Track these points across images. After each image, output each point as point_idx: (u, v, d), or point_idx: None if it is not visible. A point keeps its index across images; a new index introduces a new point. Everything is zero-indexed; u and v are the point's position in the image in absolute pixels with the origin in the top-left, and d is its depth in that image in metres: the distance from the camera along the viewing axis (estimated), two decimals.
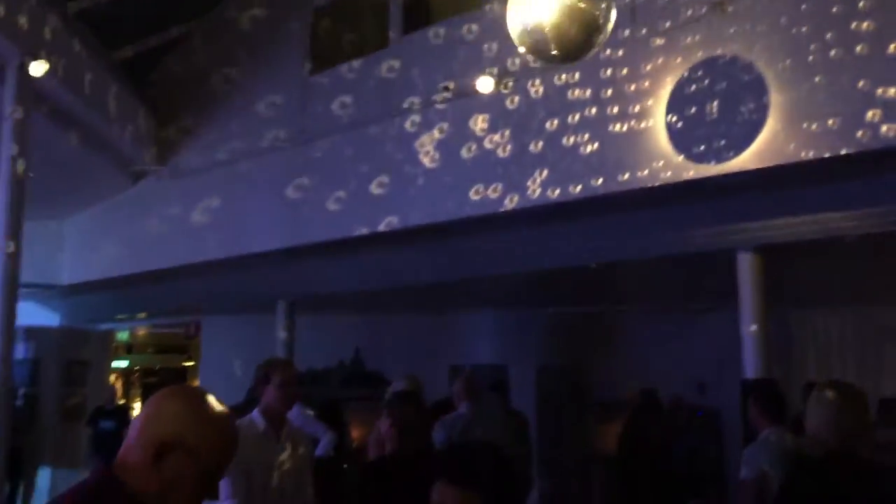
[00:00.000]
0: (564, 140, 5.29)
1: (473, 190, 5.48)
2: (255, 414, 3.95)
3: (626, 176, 4.89)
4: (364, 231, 6.11)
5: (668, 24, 5.00)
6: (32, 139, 5.58)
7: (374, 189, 6.00)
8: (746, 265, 5.42)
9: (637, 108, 5.07)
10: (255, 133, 6.92)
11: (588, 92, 5.30)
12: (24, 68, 5.56)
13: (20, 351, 9.19)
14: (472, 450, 2.10)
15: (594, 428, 10.46)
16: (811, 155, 4.45)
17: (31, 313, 9.82)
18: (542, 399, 9.87)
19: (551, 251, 6.21)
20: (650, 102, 5.07)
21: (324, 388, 10.37)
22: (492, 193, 5.44)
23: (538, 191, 5.23)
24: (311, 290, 8.32)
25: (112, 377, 14.17)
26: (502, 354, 10.05)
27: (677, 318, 10.14)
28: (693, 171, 4.67)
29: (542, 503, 9.47)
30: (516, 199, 5.38)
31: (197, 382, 13.32)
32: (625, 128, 5.09)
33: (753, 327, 5.35)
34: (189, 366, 16.70)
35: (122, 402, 14.07)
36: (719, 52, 4.82)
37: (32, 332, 10.21)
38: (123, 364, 16.59)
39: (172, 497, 1.66)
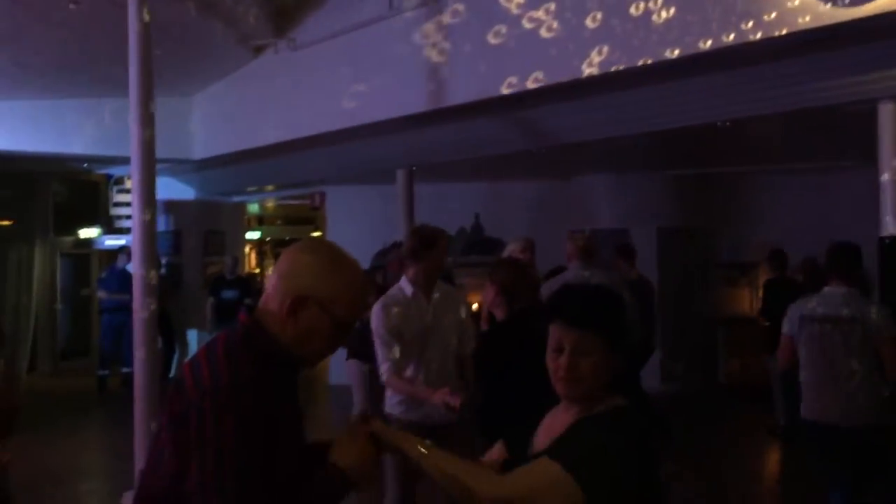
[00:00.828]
0: None
1: (596, 50, 5.26)
2: (403, 281, 4.12)
3: (751, 24, 4.56)
4: (486, 94, 6.02)
5: None
6: (154, 14, 5.70)
7: (496, 51, 5.86)
8: (888, 116, 5.06)
9: None
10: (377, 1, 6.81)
11: None
12: None
13: (162, 223, 9.76)
14: (586, 290, 2.06)
15: (720, 290, 10.32)
16: None
17: (169, 187, 10.39)
18: (665, 262, 9.76)
19: (676, 109, 5.97)
20: None
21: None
22: (612, 52, 5.22)
23: (663, 45, 4.97)
24: (430, 157, 8.38)
25: (246, 248, 14.92)
26: (624, 218, 9.92)
27: (809, 177, 9.68)
28: (828, 16, 4.32)
29: (663, 368, 9.54)
30: (639, 55, 5.14)
31: None
32: None
33: (893, 182, 5.04)
34: (317, 236, 17.32)
35: (250, 271, 14.81)
36: None
37: (172, 205, 10.81)
38: (255, 235, 17.37)
39: (307, 345, 1.76)
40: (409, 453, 1.85)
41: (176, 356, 10.61)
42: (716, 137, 7.35)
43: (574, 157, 8.90)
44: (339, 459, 1.77)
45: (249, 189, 12.33)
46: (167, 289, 9.21)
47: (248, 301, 9.38)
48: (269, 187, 12.48)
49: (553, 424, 1.90)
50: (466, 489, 1.76)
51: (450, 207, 10.12)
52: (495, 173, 10.39)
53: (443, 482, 1.81)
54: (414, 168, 8.74)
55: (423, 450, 1.84)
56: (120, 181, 11.34)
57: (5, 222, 11.16)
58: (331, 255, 1.81)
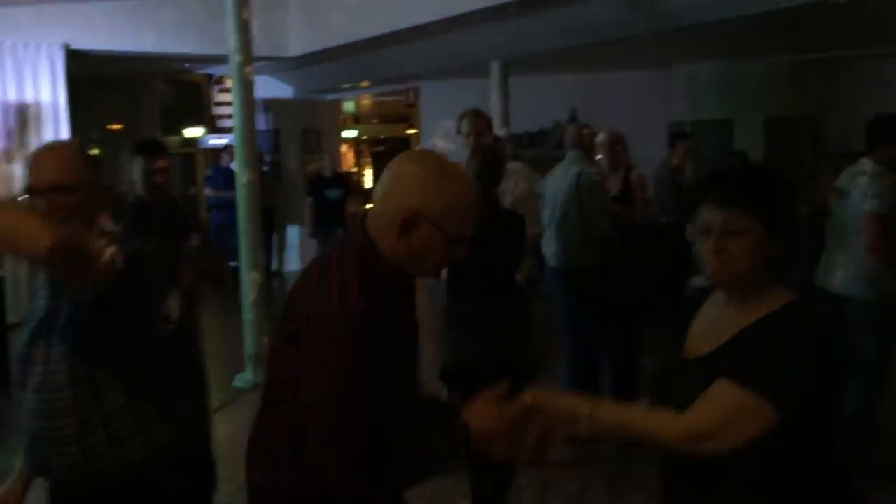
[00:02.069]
0: None
1: None
2: None
3: None
4: None
5: None
6: None
7: None
8: None
9: None
10: None
11: None
12: None
13: (262, 122, 9.95)
14: (738, 170, 1.89)
15: (829, 181, 9.87)
16: None
17: (267, 86, 10.53)
18: (772, 153, 9.38)
19: None
20: None
21: (539, 150, 10.48)
22: None
23: None
24: (525, 48, 8.19)
25: (343, 147, 15.11)
26: (727, 108, 9.53)
27: None
28: None
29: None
30: None
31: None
32: None
33: None
34: (412, 133, 17.36)
35: (348, 169, 14.95)
36: None
37: (270, 104, 10.99)
38: (352, 134, 17.53)
39: (421, 263, 1.70)
40: (576, 412, 1.66)
41: (275, 250, 11.00)
42: (833, 17, 6.91)
43: (677, 44, 8.54)
44: (471, 417, 1.66)
45: (345, 86, 12.39)
46: (269, 186, 9.46)
47: (348, 198, 9.51)
48: (365, 84, 12.50)
49: (712, 325, 1.74)
50: (650, 435, 1.65)
51: (545, 101, 9.95)
52: (592, 64, 10.09)
53: (618, 434, 1.71)
54: (508, 60, 8.57)
55: (588, 405, 1.67)
56: (220, 80, 11.57)
57: (116, 126, 11.62)
58: (438, 167, 1.70)
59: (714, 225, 1.65)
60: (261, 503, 1.72)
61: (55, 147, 2.03)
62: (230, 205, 7.59)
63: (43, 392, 1.86)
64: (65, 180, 1.89)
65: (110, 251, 1.74)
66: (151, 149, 3.96)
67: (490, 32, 7.64)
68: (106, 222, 1.97)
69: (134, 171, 3.80)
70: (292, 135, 11.30)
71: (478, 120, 4.14)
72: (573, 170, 4.60)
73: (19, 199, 1.89)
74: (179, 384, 2.01)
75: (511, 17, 7.02)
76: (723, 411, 1.58)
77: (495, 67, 8.60)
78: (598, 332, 4.71)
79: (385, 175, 1.72)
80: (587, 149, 4.78)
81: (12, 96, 8.33)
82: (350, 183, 10.79)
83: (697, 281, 2.01)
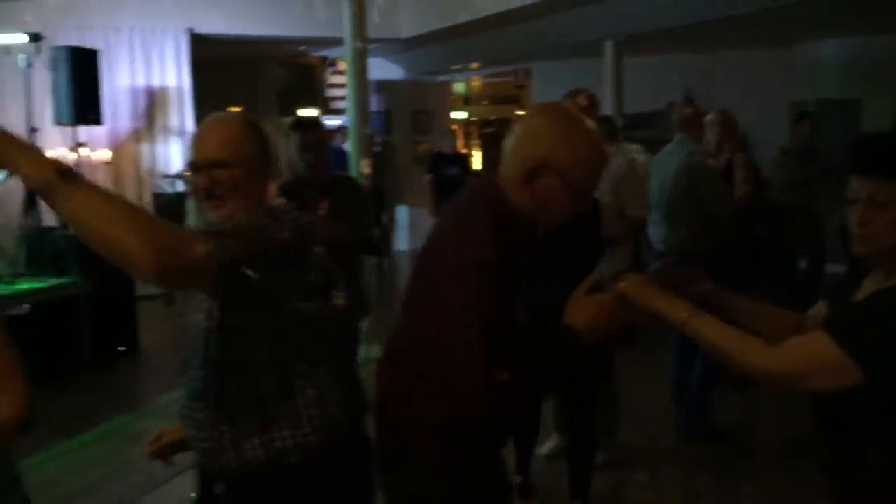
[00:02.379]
0: None
1: None
2: None
3: None
4: None
5: None
6: None
7: None
8: None
9: None
10: None
11: None
12: None
13: (374, 103, 10.11)
14: (889, 137, 1.75)
15: None
16: None
17: (379, 67, 10.68)
18: None
19: None
20: None
21: (652, 132, 10.21)
22: None
23: None
24: (639, 27, 8.00)
25: (453, 127, 15.17)
26: (854, 88, 9.04)
27: None
28: None
29: None
30: None
31: None
32: None
33: None
34: (522, 115, 17.24)
35: (462, 151, 14.99)
36: None
37: (382, 85, 11.14)
38: (462, 115, 17.57)
39: (544, 212, 1.75)
40: (669, 316, 1.69)
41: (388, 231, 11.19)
42: None
43: (799, 21, 8.15)
44: (573, 318, 1.74)
45: (455, 67, 12.42)
46: (380, 167, 9.60)
47: (467, 178, 9.54)
48: (475, 65, 12.50)
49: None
50: (737, 358, 1.64)
51: (659, 81, 9.69)
52: (708, 43, 9.75)
53: (707, 348, 1.69)
54: (622, 40, 8.39)
55: (684, 313, 1.68)
56: (334, 63, 11.81)
57: (235, 108, 12.04)
58: (566, 120, 1.75)
59: (861, 195, 1.59)
60: (395, 435, 1.82)
61: (217, 121, 1.88)
62: None
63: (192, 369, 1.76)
64: (224, 155, 1.79)
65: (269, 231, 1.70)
66: (306, 125, 3.89)
67: (603, 11, 7.50)
68: (270, 198, 1.91)
69: (290, 149, 3.75)
70: (403, 116, 11.43)
71: (580, 99, 4.06)
72: (680, 152, 4.50)
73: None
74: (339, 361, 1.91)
75: None
76: (811, 360, 1.59)
77: (608, 47, 8.44)
78: None
79: (516, 127, 1.77)
80: (694, 130, 4.66)
81: (141, 80, 8.75)
82: (469, 161, 10.75)
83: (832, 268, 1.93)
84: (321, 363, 1.76)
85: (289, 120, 4.13)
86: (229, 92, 11.58)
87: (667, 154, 4.61)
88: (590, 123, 1.79)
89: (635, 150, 4.86)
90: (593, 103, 4.17)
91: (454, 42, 9.72)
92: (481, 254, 1.64)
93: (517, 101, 17.16)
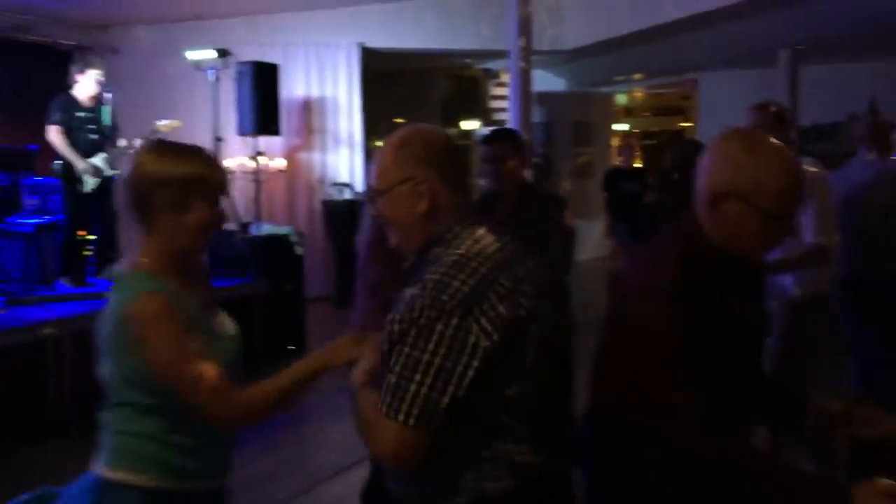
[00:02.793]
0: None
1: None
2: None
3: None
4: None
5: None
6: None
7: None
8: None
9: None
10: None
11: None
12: None
13: (534, 114, 10.14)
14: None
15: None
16: None
17: (540, 79, 10.71)
18: None
19: None
20: None
21: (831, 144, 9.65)
22: None
23: None
24: (818, 34, 7.61)
25: (614, 140, 14.95)
26: None
27: None
28: None
29: None
30: None
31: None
32: None
33: None
34: (686, 127, 16.77)
35: (617, 163, 14.63)
36: None
37: (543, 97, 11.16)
38: (624, 127, 17.29)
39: (738, 242, 1.66)
40: None
41: None
42: None
43: None
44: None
45: (618, 79, 12.26)
46: (541, 178, 9.60)
47: (652, 195, 9.17)
48: (638, 76, 12.28)
49: None
50: None
51: (838, 91, 9.15)
52: (893, 49, 9.13)
53: None
54: (799, 48, 8.01)
55: None
56: (497, 75, 11.95)
57: (400, 120, 12.42)
58: (746, 142, 1.66)
59: None
60: (616, 442, 1.76)
61: (383, 145, 1.72)
62: None
63: None
64: (380, 184, 1.68)
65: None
66: (495, 137, 3.70)
67: (780, 18, 7.18)
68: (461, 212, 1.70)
69: (480, 162, 3.60)
70: (564, 128, 11.39)
71: (768, 111, 3.87)
72: (865, 169, 4.19)
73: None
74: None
75: (805, 1, 6.56)
76: None
77: (783, 56, 8.08)
78: (882, 353, 4.23)
79: (703, 155, 1.72)
80: (880, 144, 4.34)
81: (314, 92, 9.21)
82: (647, 177, 10.24)
83: None
84: (521, 406, 1.63)
85: (454, 131, 4.19)
86: (396, 103, 11.97)
87: (851, 170, 4.30)
88: (776, 142, 1.67)
89: (810, 164, 4.62)
90: (783, 117, 3.95)
91: (618, 53, 9.60)
92: (667, 278, 1.62)
93: (681, 113, 16.70)
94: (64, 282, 6.42)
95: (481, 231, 1.64)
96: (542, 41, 7.79)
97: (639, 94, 16.67)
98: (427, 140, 1.69)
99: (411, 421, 1.48)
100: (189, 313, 1.81)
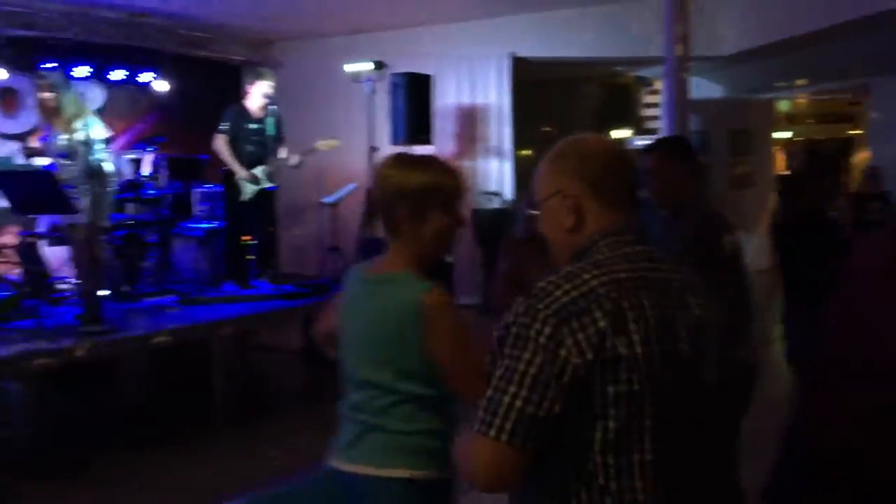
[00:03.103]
0: None
1: None
2: None
3: None
4: None
5: None
6: None
7: None
8: None
9: None
10: None
11: None
12: None
13: (691, 123, 9.82)
14: None
15: None
16: None
17: (694, 86, 10.37)
18: None
19: None
20: None
21: None
22: None
23: None
24: None
25: (775, 148, 14.27)
26: None
27: None
28: None
29: None
30: None
31: (864, 153, 12.61)
32: None
33: None
34: (855, 135, 15.80)
35: (779, 172, 13.98)
36: None
37: (698, 104, 10.80)
38: (786, 135, 16.49)
39: None
40: None
41: None
42: None
43: None
44: None
45: (780, 84, 11.70)
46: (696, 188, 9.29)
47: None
48: (802, 81, 11.67)
49: None
50: None
51: None
52: None
53: None
54: None
55: None
56: (650, 83, 11.69)
57: (548, 129, 12.36)
58: None
59: None
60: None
61: (546, 153, 1.70)
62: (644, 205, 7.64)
63: None
64: (537, 198, 1.67)
65: None
66: (649, 147, 3.45)
67: None
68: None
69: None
70: (720, 136, 10.98)
71: None
72: None
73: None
74: None
75: None
76: None
77: None
78: None
79: None
80: None
81: (465, 101, 9.32)
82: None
83: None
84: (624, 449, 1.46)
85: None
86: (546, 112, 11.94)
87: None
88: None
89: None
90: None
91: (780, 58, 9.16)
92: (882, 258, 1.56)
93: (850, 120, 15.75)
94: (229, 283, 6.81)
95: (628, 249, 1.54)
96: (698, 47, 7.53)
97: (802, 100, 15.85)
98: (582, 152, 1.64)
99: (504, 437, 1.38)
100: None
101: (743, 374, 2.85)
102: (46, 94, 5.47)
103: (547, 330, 1.40)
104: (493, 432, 1.39)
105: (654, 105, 11.60)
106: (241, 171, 6.67)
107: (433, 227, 2.00)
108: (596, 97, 12.62)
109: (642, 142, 11.73)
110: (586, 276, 1.46)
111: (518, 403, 1.39)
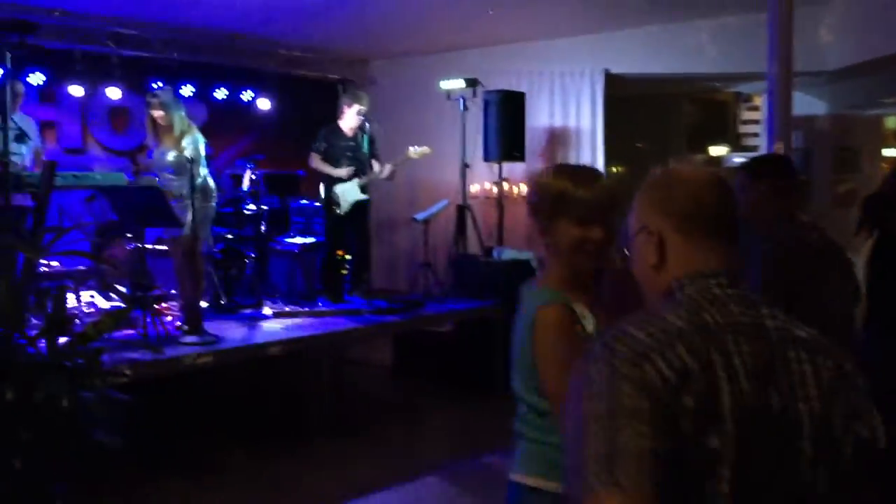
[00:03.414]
0: None
1: None
2: None
3: None
4: None
5: None
6: None
7: None
8: None
9: None
10: None
11: None
12: None
13: (793, 139, 9.52)
14: None
15: None
16: None
17: (798, 101, 10.05)
18: None
19: None
20: None
21: None
22: None
23: None
24: None
25: (883, 165, 13.68)
26: None
27: None
28: None
29: None
30: None
31: None
32: None
33: None
34: None
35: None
36: None
37: (801, 121, 10.46)
38: (894, 153, 15.81)
39: None
40: None
41: None
42: None
43: None
44: None
45: (887, 101, 11.22)
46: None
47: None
48: None
49: None
50: None
51: None
52: None
53: None
54: None
55: None
56: (748, 98, 11.40)
57: (640, 145, 12.18)
58: None
59: None
60: None
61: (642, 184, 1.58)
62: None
63: None
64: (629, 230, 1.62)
65: None
66: (742, 166, 3.30)
67: None
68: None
69: None
70: (823, 153, 10.60)
71: None
72: None
73: None
74: None
75: None
76: None
77: None
78: None
79: None
80: None
81: (558, 119, 9.28)
82: None
83: None
84: None
85: (700, 158, 3.96)
86: (638, 129, 11.78)
87: None
88: None
89: None
90: None
91: (887, 73, 8.79)
92: None
93: None
94: (323, 298, 6.94)
95: (718, 291, 1.37)
96: (801, 61, 7.30)
97: None
98: (671, 183, 1.48)
99: (611, 483, 1.17)
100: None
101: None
102: (157, 112, 5.71)
103: (625, 369, 1.25)
104: (598, 482, 1.19)
105: (754, 122, 11.29)
106: (341, 172, 6.82)
107: (563, 240, 1.99)
108: (690, 113, 12.38)
109: (740, 159, 11.42)
110: (671, 318, 1.32)
111: (622, 440, 1.20)
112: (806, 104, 10.67)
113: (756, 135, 10.92)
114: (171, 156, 5.87)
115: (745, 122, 11.75)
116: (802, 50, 7.18)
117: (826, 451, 1.28)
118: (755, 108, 11.16)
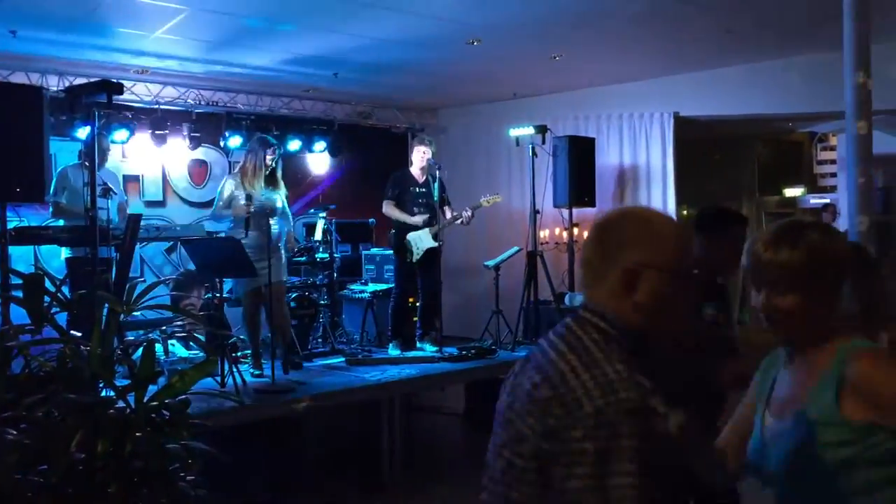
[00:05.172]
0: None
1: None
2: None
3: None
4: None
5: None
6: None
7: None
8: None
9: None
10: None
11: None
12: None
13: (875, 179, 9.24)
14: None
15: None
16: None
17: (877, 140, 9.77)
18: None
19: None
20: None
21: None
22: None
23: None
24: None
25: None
26: None
27: None
28: None
29: None
30: None
31: None
32: None
33: None
34: None
35: None
36: None
37: (881, 160, 10.16)
38: None
39: None
40: None
41: None
42: None
43: None
44: None
45: None
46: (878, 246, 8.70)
47: None
48: None
49: None
50: None
51: None
52: None
53: None
54: None
55: None
56: (824, 138, 11.16)
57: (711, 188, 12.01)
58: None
59: None
60: None
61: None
62: None
63: None
64: None
65: None
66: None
67: None
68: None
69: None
70: None
71: None
72: None
73: None
74: None
75: None
76: None
77: None
78: None
79: None
80: None
81: (627, 161, 9.22)
82: None
83: None
84: None
85: (774, 199, 3.87)
86: (709, 171, 11.62)
87: None
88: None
89: None
90: None
91: None
92: None
93: None
94: (394, 345, 6.96)
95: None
96: (881, 99, 7.11)
97: None
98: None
99: None
100: None
101: None
102: (271, 157, 6.18)
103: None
104: None
105: (830, 162, 11.04)
106: (416, 220, 6.89)
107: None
108: (762, 154, 12.17)
109: (817, 200, 11.16)
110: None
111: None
112: (885, 142, 10.39)
113: (834, 175, 10.66)
114: (278, 201, 6.18)
115: (821, 163, 11.49)
116: (881, 88, 7.00)
117: None
118: (830, 149, 10.92)
